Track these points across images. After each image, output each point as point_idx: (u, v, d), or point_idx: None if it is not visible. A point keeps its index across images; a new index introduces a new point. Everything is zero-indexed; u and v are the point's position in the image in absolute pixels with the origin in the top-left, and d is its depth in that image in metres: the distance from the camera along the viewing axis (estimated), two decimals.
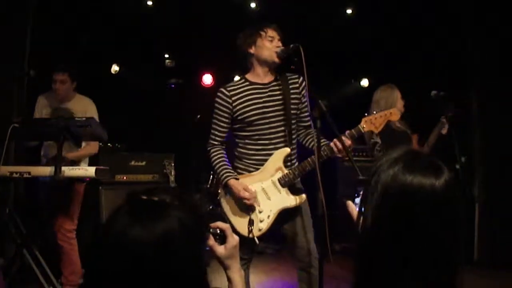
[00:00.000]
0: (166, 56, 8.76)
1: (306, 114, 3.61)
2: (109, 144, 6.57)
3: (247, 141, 3.49)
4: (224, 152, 3.53)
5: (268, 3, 7.50)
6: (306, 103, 3.59)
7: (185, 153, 7.53)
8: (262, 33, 3.47)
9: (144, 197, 1.31)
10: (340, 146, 3.26)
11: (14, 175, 3.62)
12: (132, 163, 6.36)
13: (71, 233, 4.51)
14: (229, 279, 1.73)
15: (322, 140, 3.35)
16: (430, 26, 6.90)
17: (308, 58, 3.21)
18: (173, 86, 9.11)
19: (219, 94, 3.51)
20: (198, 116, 8.07)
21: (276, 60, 3.45)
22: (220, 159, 3.49)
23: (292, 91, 3.53)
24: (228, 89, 3.50)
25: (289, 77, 3.57)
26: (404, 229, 1.20)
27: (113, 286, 1.23)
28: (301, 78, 3.54)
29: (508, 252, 5.69)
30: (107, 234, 1.27)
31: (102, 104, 4.96)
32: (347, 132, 3.34)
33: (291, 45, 3.34)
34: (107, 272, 1.23)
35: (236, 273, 1.72)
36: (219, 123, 3.51)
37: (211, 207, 7.33)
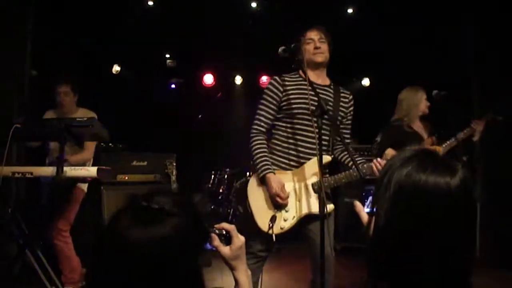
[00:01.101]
0: (167, 56, 8.77)
1: (348, 131, 3.64)
2: (110, 144, 6.57)
3: (285, 134, 3.43)
4: (266, 143, 3.45)
5: (269, 3, 7.50)
6: (349, 122, 3.64)
7: (187, 153, 7.54)
8: (302, 38, 3.53)
9: (144, 204, 1.32)
10: (379, 166, 3.27)
11: (16, 175, 3.62)
12: (134, 163, 6.36)
13: (66, 232, 4.60)
14: (236, 280, 1.73)
15: (355, 157, 3.39)
16: (431, 25, 6.90)
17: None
18: (173, 86, 9.12)
19: (271, 81, 3.49)
20: (200, 116, 8.09)
21: (318, 59, 3.50)
22: (262, 149, 3.40)
23: (341, 103, 3.54)
24: (282, 78, 3.49)
25: (341, 90, 3.61)
26: (419, 228, 1.20)
27: (112, 286, 1.25)
28: (351, 96, 3.63)
29: (510, 252, 5.69)
30: (108, 234, 1.29)
31: (104, 104, 4.98)
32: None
33: (292, 45, 3.34)
34: (107, 272, 1.25)
35: (243, 274, 1.72)
36: (266, 109, 3.45)
37: (212, 207, 7.35)
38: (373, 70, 8.53)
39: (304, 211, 3.34)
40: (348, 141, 3.61)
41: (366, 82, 8.87)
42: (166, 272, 1.24)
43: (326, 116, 3.18)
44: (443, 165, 1.24)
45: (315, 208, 3.30)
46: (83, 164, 4.59)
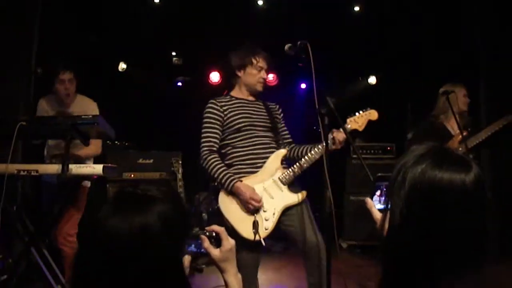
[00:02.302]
0: (174, 54, 8.76)
1: (286, 132, 3.87)
2: (116, 142, 6.57)
3: (237, 147, 3.58)
4: (220, 159, 3.59)
5: (275, 0, 7.48)
6: (284, 126, 3.89)
7: (193, 151, 7.52)
8: (254, 61, 3.68)
9: (129, 189, 1.35)
10: (341, 138, 3.42)
11: (22, 173, 3.61)
12: (140, 161, 6.37)
13: (72, 237, 4.45)
14: (226, 282, 1.76)
15: (296, 145, 3.72)
16: (438, 23, 6.87)
17: (315, 55, 3.20)
18: (180, 84, 9.11)
19: (210, 105, 3.67)
20: None
21: (259, 89, 3.72)
22: (220, 165, 3.53)
23: (273, 113, 3.80)
24: (218, 100, 3.68)
25: (268, 104, 3.85)
26: (434, 225, 1.20)
27: (92, 273, 1.26)
28: (278, 106, 3.91)
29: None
30: (89, 222, 1.33)
31: (110, 102, 4.95)
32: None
33: (299, 42, 3.33)
34: (88, 259, 1.28)
35: (232, 276, 1.75)
36: (212, 130, 3.61)
37: (218, 206, 7.33)
38: (379, 69, 8.50)
39: (281, 205, 3.48)
40: (290, 140, 3.85)
41: (372, 80, 8.84)
42: (147, 261, 1.25)
43: (334, 114, 3.20)
44: (457, 162, 1.24)
45: (290, 199, 3.51)
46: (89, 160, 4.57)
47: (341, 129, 3.41)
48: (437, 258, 1.19)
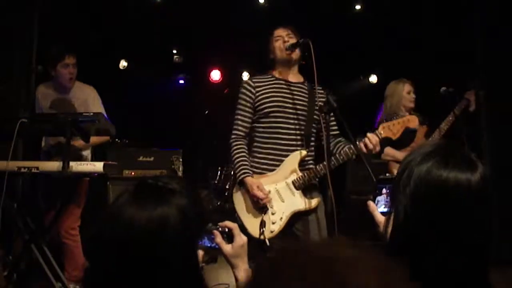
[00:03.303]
0: (174, 51, 8.76)
1: (334, 123, 3.55)
2: (117, 140, 6.56)
3: (262, 135, 3.47)
4: (246, 147, 3.50)
5: None
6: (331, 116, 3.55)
7: (193, 149, 7.53)
8: (270, 36, 3.55)
9: (150, 181, 1.36)
10: (374, 142, 3.22)
11: (22, 170, 3.61)
12: (140, 158, 6.35)
13: (75, 230, 4.45)
14: (236, 278, 1.76)
15: (343, 141, 3.43)
16: (438, 22, 6.86)
17: (317, 54, 3.20)
18: (182, 82, 9.11)
19: (243, 85, 3.54)
20: (206, 112, 8.07)
21: (285, 55, 3.47)
22: (241, 155, 3.46)
23: (316, 99, 3.50)
24: (253, 80, 3.54)
25: (315, 87, 3.52)
26: (440, 224, 1.20)
27: (105, 263, 1.26)
28: (328, 91, 3.49)
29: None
30: (107, 210, 1.34)
31: (111, 99, 4.93)
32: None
33: (301, 40, 3.33)
34: (102, 248, 1.28)
35: (243, 272, 1.74)
36: (243, 113, 3.50)
37: (219, 203, 7.33)
38: (380, 67, 8.49)
39: (290, 210, 3.38)
40: (336, 132, 3.57)
41: (373, 79, 8.83)
42: (163, 252, 1.24)
43: (336, 112, 3.18)
44: (463, 161, 1.23)
45: (301, 205, 3.38)
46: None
47: (370, 134, 3.24)
48: (443, 257, 1.18)
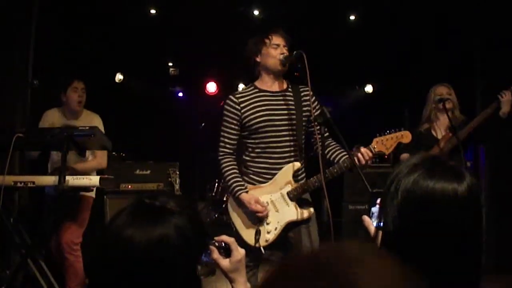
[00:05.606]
0: (170, 64, 8.77)
1: (327, 134, 3.48)
2: (113, 153, 6.55)
3: (254, 149, 3.46)
4: (235, 163, 3.49)
5: (271, 10, 7.50)
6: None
7: (190, 162, 7.53)
8: (267, 40, 3.45)
9: (147, 201, 1.34)
10: (367, 157, 3.22)
11: (19, 184, 3.61)
12: (137, 171, 6.35)
13: (77, 246, 4.45)
14: None
15: (340, 151, 3.39)
16: (434, 32, 6.90)
17: (312, 65, 3.20)
18: (181, 94, 9.13)
19: (227, 101, 3.49)
20: (203, 124, 8.07)
21: (280, 68, 3.43)
22: (232, 171, 3.45)
23: (304, 103, 3.50)
24: (237, 96, 3.49)
25: (301, 89, 3.54)
26: (427, 235, 1.20)
27: (105, 282, 1.26)
28: (309, 89, 3.45)
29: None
30: (106, 231, 1.32)
31: (107, 113, 4.94)
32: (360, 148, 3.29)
33: (294, 52, 3.33)
34: (102, 269, 1.27)
35: (242, 286, 1.72)
36: (229, 130, 3.47)
37: (216, 216, 7.32)
38: (376, 77, 8.52)
39: (285, 220, 3.39)
40: (328, 141, 3.50)
41: (369, 89, 8.85)
42: (163, 273, 1.24)
43: (331, 123, 3.17)
44: (450, 172, 1.24)
45: (295, 215, 3.39)
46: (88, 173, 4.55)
47: (363, 149, 3.23)
48: (432, 268, 1.18)
